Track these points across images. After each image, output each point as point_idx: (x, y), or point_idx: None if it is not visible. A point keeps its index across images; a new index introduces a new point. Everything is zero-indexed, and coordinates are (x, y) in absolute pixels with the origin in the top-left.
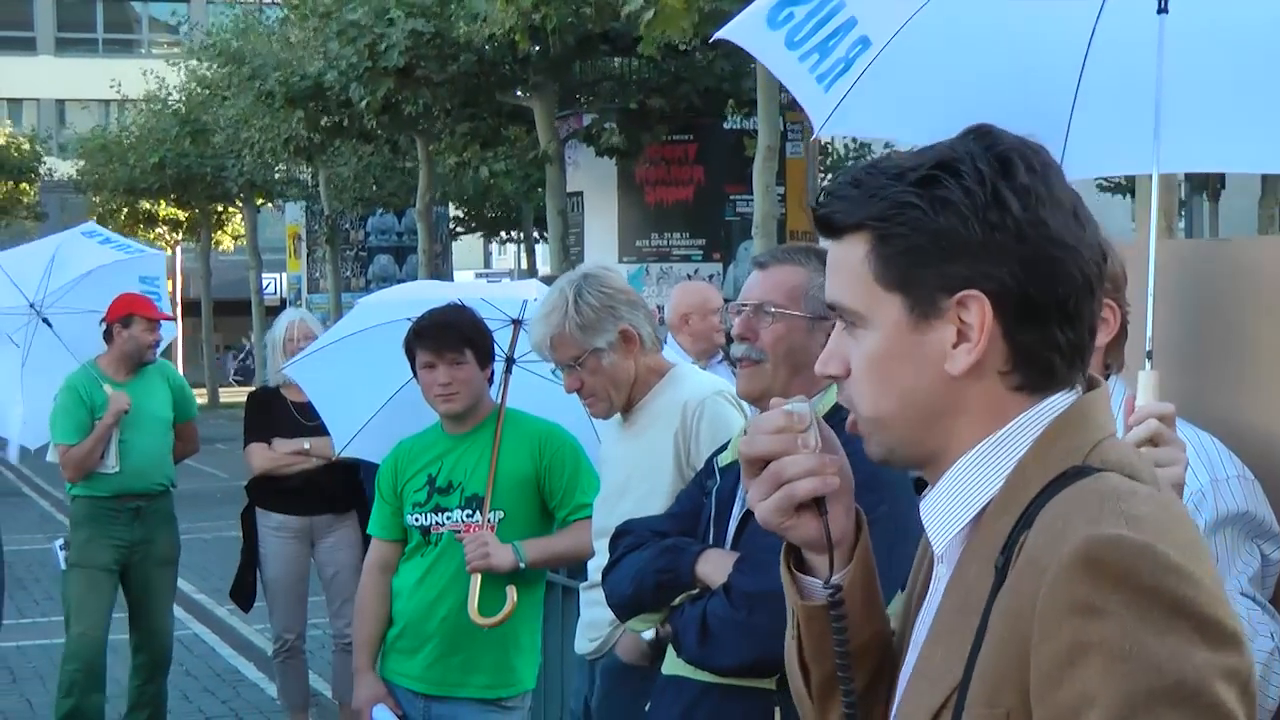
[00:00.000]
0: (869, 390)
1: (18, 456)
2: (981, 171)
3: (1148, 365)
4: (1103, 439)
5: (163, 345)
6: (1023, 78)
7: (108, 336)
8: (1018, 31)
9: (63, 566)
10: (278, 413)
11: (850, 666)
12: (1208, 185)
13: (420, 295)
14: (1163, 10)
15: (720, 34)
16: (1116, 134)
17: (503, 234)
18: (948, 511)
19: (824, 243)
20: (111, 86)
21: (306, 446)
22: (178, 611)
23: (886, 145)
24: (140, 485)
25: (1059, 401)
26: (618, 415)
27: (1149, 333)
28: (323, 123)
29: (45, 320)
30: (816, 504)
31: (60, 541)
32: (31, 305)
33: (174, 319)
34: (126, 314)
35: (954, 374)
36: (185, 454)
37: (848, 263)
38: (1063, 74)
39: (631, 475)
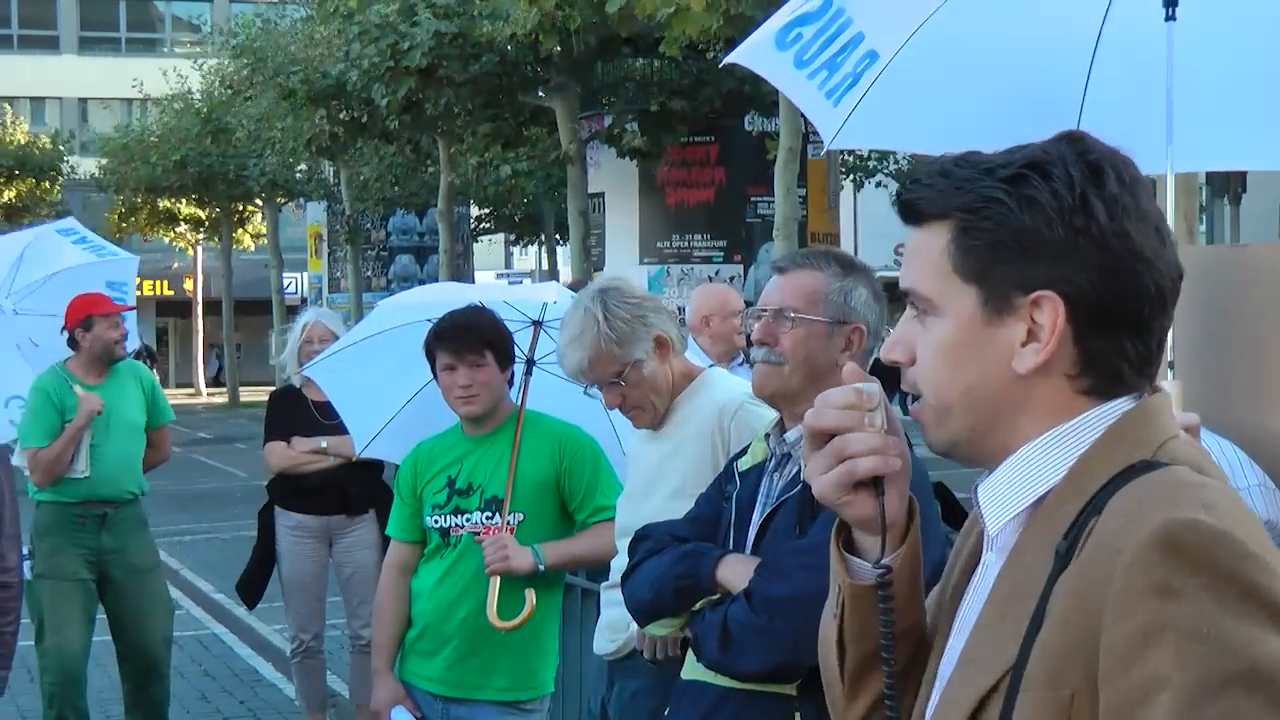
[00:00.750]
0: (935, 378)
1: None
2: (1072, 176)
3: (1170, 375)
4: (1169, 438)
5: (132, 338)
6: (1029, 84)
7: (72, 343)
8: (1023, 39)
9: (28, 577)
10: (297, 411)
11: (893, 648)
12: (1229, 189)
13: (440, 297)
14: (1171, 18)
15: (729, 59)
16: (1126, 136)
17: (525, 235)
18: (1006, 495)
19: (904, 230)
20: (134, 86)
21: (324, 445)
22: (197, 611)
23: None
24: (109, 492)
25: (1123, 404)
26: None
27: (1170, 343)
28: (342, 116)
29: (15, 311)
30: (874, 484)
31: (25, 550)
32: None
33: (133, 310)
34: (84, 317)
35: (1020, 372)
36: (156, 462)
37: (927, 250)
38: (1069, 79)
39: (659, 475)
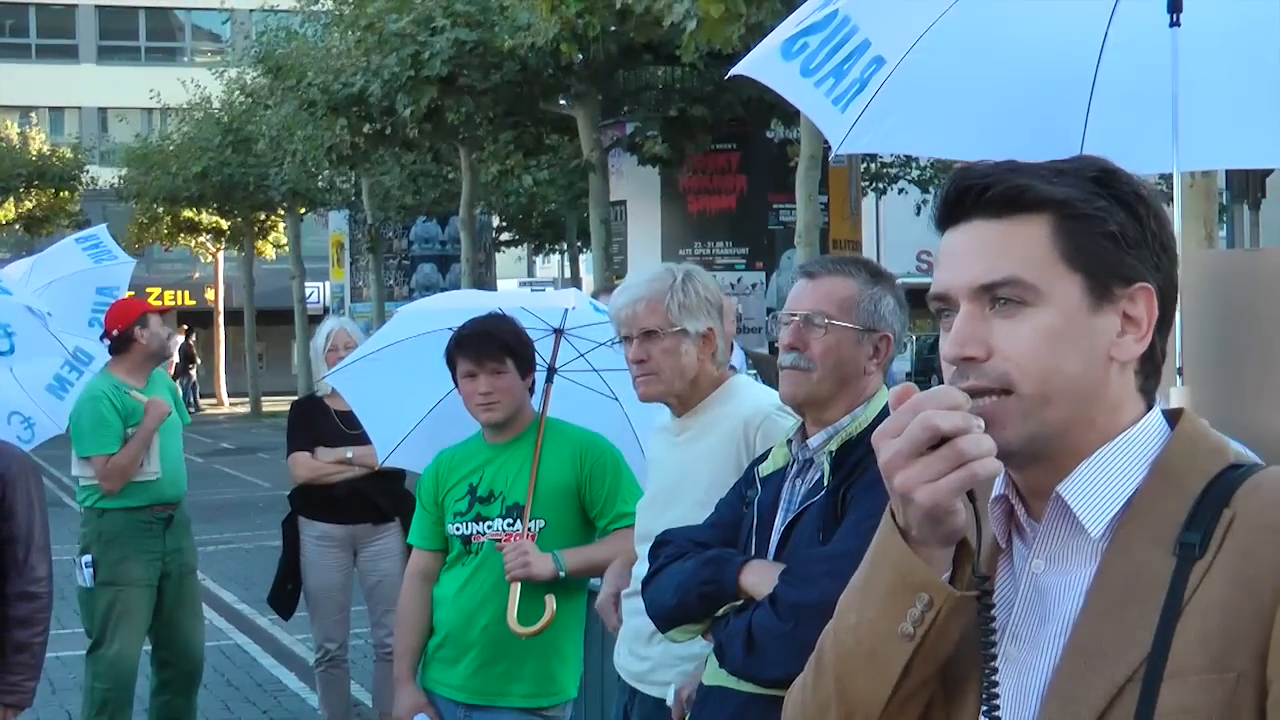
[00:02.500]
0: (1041, 366)
1: None
2: (1139, 184)
3: (1179, 381)
4: (1231, 447)
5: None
6: (1036, 86)
7: (124, 344)
8: (1028, 43)
9: (89, 584)
10: (321, 421)
11: (996, 658)
12: (1248, 193)
13: (460, 305)
14: (1175, 25)
15: (735, 70)
16: (1133, 135)
17: (547, 244)
18: (1102, 494)
19: (925, 236)
20: (152, 96)
21: (349, 455)
22: (220, 621)
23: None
24: (174, 492)
25: (1159, 410)
26: (670, 421)
27: (1179, 349)
28: (365, 130)
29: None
30: (968, 493)
31: (87, 558)
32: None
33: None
34: (141, 314)
35: (1121, 360)
36: None
37: (1024, 239)
38: (1075, 82)
39: (683, 482)
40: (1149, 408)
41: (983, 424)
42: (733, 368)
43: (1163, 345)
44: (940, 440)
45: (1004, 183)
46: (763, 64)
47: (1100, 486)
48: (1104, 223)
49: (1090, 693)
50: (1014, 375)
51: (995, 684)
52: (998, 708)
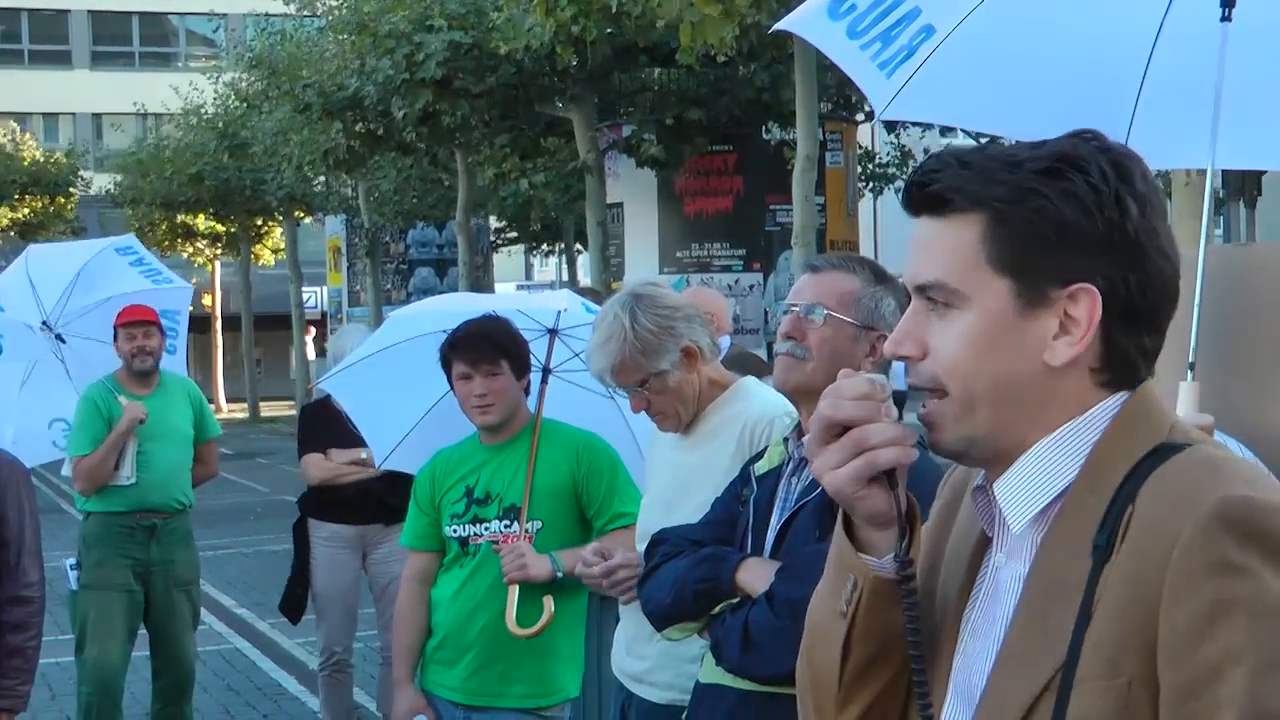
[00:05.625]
0: (962, 371)
1: None
2: (1105, 171)
3: (1190, 376)
4: (1174, 421)
5: (178, 362)
6: (1087, 71)
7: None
8: (1083, 22)
9: (73, 587)
10: (333, 423)
11: (922, 643)
12: (1244, 192)
13: (454, 307)
14: (1226, 19)
15: (779, 25)
16: (1179, 128)
17: (544, 246)
18: (1027, 492)
19: (916, 220)
20: (136, 105)
21: (364, 455)
22: (219, 626)
23: (926, 150)
24: (158, 500)
25: (1122, 395)
26: None
27: (1193, 343)
28: (358, 128)
29: (59, 337)
30: (888, 476)
31: (72, 561)
32: (45, 323)
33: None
34: (114, 329)
35: (1053, 365)
36: (204, 476)
37: (953, 241)
38: (1127, 69)
39: (689, 485)
40: (1111, 396)
41: (895, 412)
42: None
43: (1140, 341)
44: (844, 429)
45: (938, 184)
46: (809, 21)
47: (1028, 482)
48: (1034, 224)
49: (1012, 700)
50: (941, 378)
51: (923, 670)
52: (928, 698)
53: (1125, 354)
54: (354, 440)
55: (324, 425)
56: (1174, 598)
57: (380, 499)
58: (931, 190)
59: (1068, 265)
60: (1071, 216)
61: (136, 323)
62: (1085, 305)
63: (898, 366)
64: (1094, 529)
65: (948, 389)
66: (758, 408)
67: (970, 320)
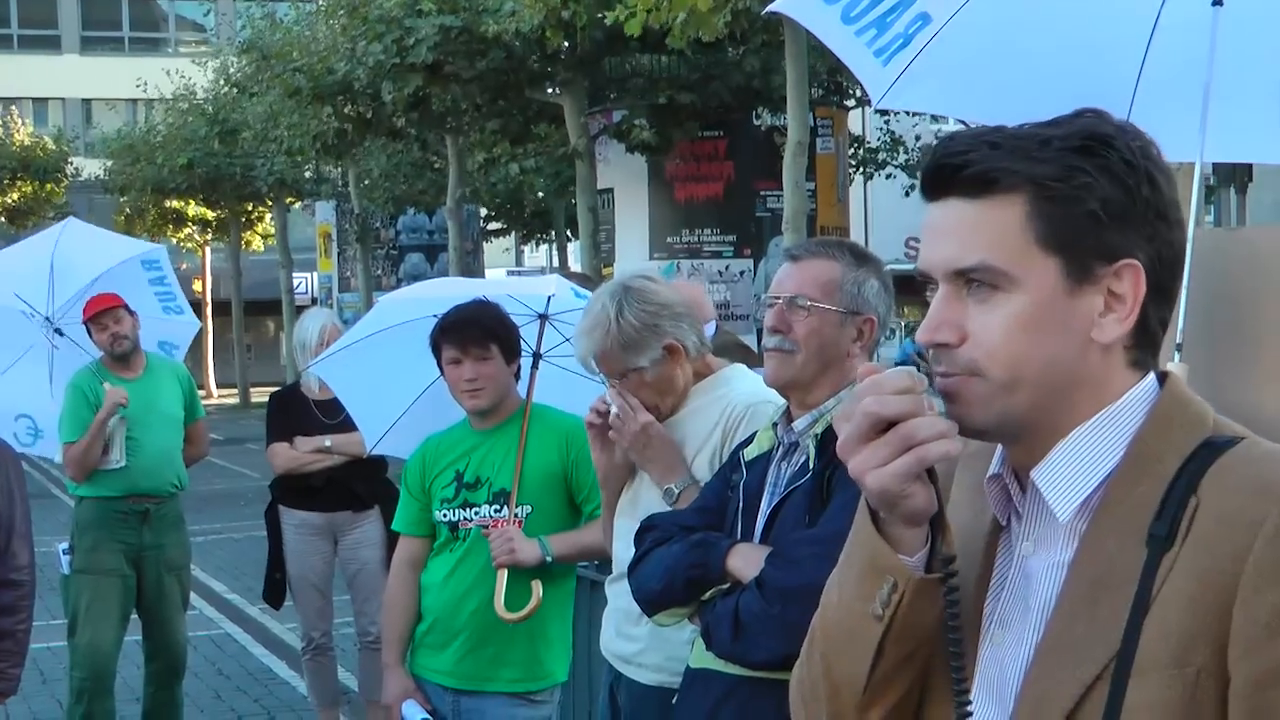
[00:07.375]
0: (1011, 353)
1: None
2: (1132, 147)
3: (1177, 357)
4: (1210, 412)
5: (186, 342)
6: (1084, 62)
7: None
8: (1080, 15)
9: (65, 571)
10: (300, 412)
11: (963, 640)
12: (1235, 178)
13: (443, 292)
14: (1217, 3)
15: (772, 7)
16: (1177, 119)
17: (536, 234)
18: (1072, 480)
19: (933, 204)
20: (138, 86)
21: (327, 444)
22: (210, 611)
23: (917, 138)
24: (150, 484)
25: (1151, 382)
26: None
27: (1180, 324)
28: (347, 111)
29: (59, 330)
30: (929, 473)
31: (64, 545)
32: (48, 318)
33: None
34: (84, 325)
35: (1102, 342)
36: (195, 457)
37: (995, 222)
38: (1124, 59)
39: None
40: (1138, 379)
41: (937, 406)
42: None
43: (1163, 315)
44: (887, 425)
45: (978, 164)
46: (802, 4)
47: (1071, 469)
48: (1083, 200)
49: (1060, 691)
50: (982, 363)
51: (962, 669)
52: (967, 696)
53: (1151, 329)
54: (321, 428)
55: (291, 414)
56: (1255, 586)
57: (347, 487)
58: (973, 171)
59: (1113, 242)
60: (1113, 193)
61: (104, 312)
62: (1130, 281)
63: (886, 354)
64: (1148, 519)
65: (986, 373)
66: (738, 394)
67: (1021, 301)
